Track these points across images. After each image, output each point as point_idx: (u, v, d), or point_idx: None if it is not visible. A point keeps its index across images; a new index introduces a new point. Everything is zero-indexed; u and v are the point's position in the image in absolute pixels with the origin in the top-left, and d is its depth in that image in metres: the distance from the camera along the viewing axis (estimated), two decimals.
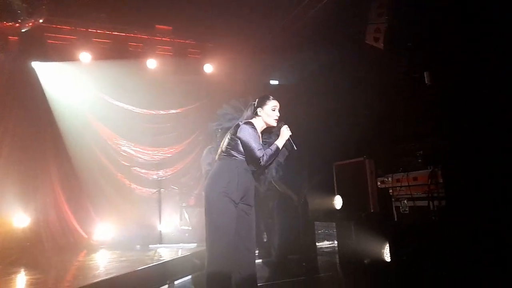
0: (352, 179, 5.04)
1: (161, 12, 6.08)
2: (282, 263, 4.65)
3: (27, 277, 4.28)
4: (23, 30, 5.45)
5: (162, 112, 7.16)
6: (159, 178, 6.50)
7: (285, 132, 2.91)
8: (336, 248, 4.95)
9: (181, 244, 5.65)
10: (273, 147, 2.84)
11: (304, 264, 4.60)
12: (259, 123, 2.91)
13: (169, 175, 6.84)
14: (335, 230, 4.98)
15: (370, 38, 4.94)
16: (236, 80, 6.94)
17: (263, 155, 2.75)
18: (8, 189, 5.63)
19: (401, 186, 4.12)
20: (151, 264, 4.24)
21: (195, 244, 5.50)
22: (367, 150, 5.06)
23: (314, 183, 5.03)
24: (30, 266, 4.70)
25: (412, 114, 4.50)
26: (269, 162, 2.82)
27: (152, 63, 6.68)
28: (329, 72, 6.17)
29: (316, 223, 5.39)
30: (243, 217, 2.77)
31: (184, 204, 6.24)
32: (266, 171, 2.93)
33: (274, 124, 2.92)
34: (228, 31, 6.48)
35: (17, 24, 5.13)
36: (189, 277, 4.29)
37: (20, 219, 5.64)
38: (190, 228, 6.00)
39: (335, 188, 5.16)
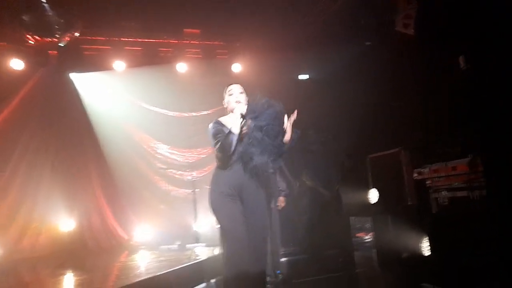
0: (387, 172, 4.89)
1: (188, 16, 6.21)
2: (318, 259, 4.62)
3: (75, 278, 4.52)
4: (61, 44, 5.76)
5: (194, 114, 7.29)
6: (194, 179, 6.64)
7: (237, 111, 2.65)
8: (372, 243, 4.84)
9: (217, 243, 5.73)
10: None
11: (340, 259, 4.52)
12: (229, 116, 2.77)
13: (203, 175, 6.96)
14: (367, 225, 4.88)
15: (400, 25, 4.78)
16: (264, 78, 6.93)
17: (217, 146, 2.62)
18: (54, 196, 6.00)
19: (439, 177, 3.96)
20: (189, 263, 4.34)
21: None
22: (402, 141, 4.90)
23: (347, 177, 4.93)
24: (77, 268, 4.97)
25: (448, 101, 4.31)
26: (225, 149, 2.59)
27: (182, 67, 6.82)
28: (360, 64, 6.03)
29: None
30: (250, 211, 2.69)
31: None
32: (249, 162, 2.63)
33: (237, 107, 2.68)
34: (254, 28, 6.50)
35: (56, 39, 5.42)
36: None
37: (65, 223, 5.98)
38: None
39: (370, 181, 5.03)
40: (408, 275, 3.84)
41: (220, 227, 2.67)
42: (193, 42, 6.93)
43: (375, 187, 4.91)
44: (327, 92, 6.51)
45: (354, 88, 6.06)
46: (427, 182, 4.14)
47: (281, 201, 4.24)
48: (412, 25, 4.48)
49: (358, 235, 5.66)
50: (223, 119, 2.78)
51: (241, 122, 2.60)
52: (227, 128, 2.65)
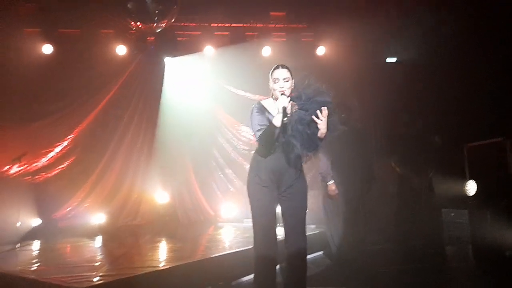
0: (488, 163, 4.46)
1: None
2: (404, 249, 4.45)
3: (169, 245, 4.97)
4: (158, 31, 6.19)
5: None
6: None
7: (279, 104, 2.52)
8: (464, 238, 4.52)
9: None
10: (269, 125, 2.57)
11: (430, 251, 4.30)
12: (273, 102, 2.66)
13: None
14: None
15: None
16: (350, 61, 6.73)
17: (259, 136, 2.60)
18: (152, 171, 6.58)
19: None
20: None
21: (314, 226, 5.60)
22: (504, 129, 4.44)
23: (441, 167, 4.62)
24: (170, 237, 5.44)
25: None
26: (267, 141, 2.57)
27: (267, 51, 6.90)
28: (454, 45, 5.54)
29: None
30: (284, 201, 2.70)
31: None
32: (291, 152, 2.59)
33: (280, 100, 2.54)
34: (340, 10, 6.31)
35: (154, 25, 5.84)
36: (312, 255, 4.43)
37: (161, 196, 6.54)
38: (307, 210, 6.12)
39: (467, 172, 4.65)
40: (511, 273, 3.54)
41: (251, 208, 2.71)
42: (278, 25, 6.96)
43: (473, 179, 4.54)
44: (417, 76, 6.12)
45: (448, 71, 5.61)
46: None
47: (332, 189, 4.12)
48: None
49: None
50: (266, 103, 2.73)
51: (283, 118, 2.50)
52: (270, 114, 2.63)
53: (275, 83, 2.64)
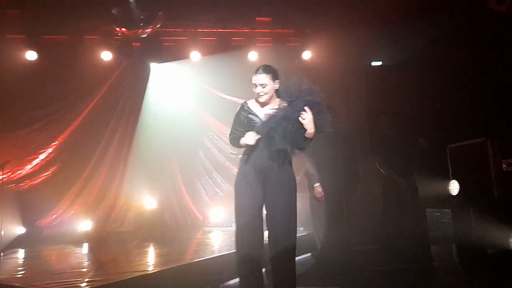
0: (471, 162, 4.58)
1: (260, 4, 6.30)
2: (390, 250, 4.50)
3: (157, 250, 4.94)
4: (143, 36, 6.20)
5: None
6: None
7: (245, 140, 2.66)
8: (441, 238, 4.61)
9: None
10: None
11: (415, 251, 4.36)
12: (257, 104, 2.75)
13: None
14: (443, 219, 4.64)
15: (492, 1, 4.39)
16: (336, 64, 6.83)
17: (230, 139, 2.76)
18: (139, 177, 6.56)
19: None
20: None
21: (301, 228, 5.63)
22: (487, 129, 4.56)
23: (425, 167, 4.71)
24: (158, 242, 5.41)
25: None
26: (234, 146, 2.73)
27: (253, 55, 6.95)
28: (440, 47, 5.67)
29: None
30: (268, 197, 2.67)
31: None
32: (272, 146, 2.60)
33: (260, 101, 2.70)
34: (326, 15, 6.40)
35: (139, 31, 5.84)
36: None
37: (149, 202, 6.51)
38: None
39: (450, 172, 4.76)
40: (493, 270, 3.62)
41: (235, 203, 2.71)
42: (265, 30, 7.02)
43: (456, 179, 4.64)
44: (402, 79, 6.24)
45: (432, 74, 5.73)
46: None
47: (318, 191, 4.16)
48: (507, 1, 4.09)
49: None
50: (250, 103, 2.78)
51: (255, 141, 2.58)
52: (253, 115, 2.70)
53: (254, 87, 2.69)
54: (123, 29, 5.74)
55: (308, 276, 3.94)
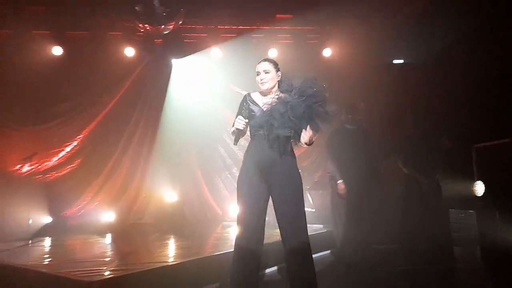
0: (497, 163, 4.46)
1: (281, 1, 6.31)
2: (411, 250, 4.46)
3: (177, 243, 5.03)
4: (165, 33, 6.29)
5: None
6: None
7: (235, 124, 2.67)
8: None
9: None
10: None
11: (437, 252, 4.30)
12: (261, 93, 2.76)
13: None
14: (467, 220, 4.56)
15: None
16: (356, 62, 6.78)
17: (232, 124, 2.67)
18: (160, 171, 6.68)
19: None
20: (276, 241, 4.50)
21: (321, 225, 5.64)
22: None
23: (449, 167, 4.63)
24: (178, 234, 5.51)
25: None
26: (235, 137, 2.64)
27: (273, 52, 6.96)
28: (465, 45, 5.55)
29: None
30: (274, 190, 2.61)
31: (308, 187, 6.42)
32: (270, 134, 2.57)
33: (262, 89, 2.70)
34: (347, 12, 6.35)
35: (161, 27, 5.93)
36: (317, 254, 4.46)
37: (169, 195, 6.62)
38: (314, 210, 6.16)
39: (475, 173, 4.66)
40: None
41: (238, 198, 2.66)
42: (285, 27, 7.02)
43: (481, 180, 4.54)
44: (424, 77, 6.14)
45: (456, 72, 5.62)
46: None
47: (341, 188, 4.13)
48: None
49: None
50: (254, 95, 2.79)
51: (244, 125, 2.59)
52: (255, 106, 2.70)
53: (257, 75, 2.71)
54: (146, 26, 5.82)
55: (326, 274, 3.95)
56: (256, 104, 2.72)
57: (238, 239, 2.62)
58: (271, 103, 2.62)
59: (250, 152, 2.69)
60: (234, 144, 2.70)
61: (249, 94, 2.81)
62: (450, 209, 4.82)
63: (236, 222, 2.69)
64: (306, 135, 2.53)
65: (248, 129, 2.72)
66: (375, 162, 4.36)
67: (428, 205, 4.43)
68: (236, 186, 2.73)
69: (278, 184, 2.59)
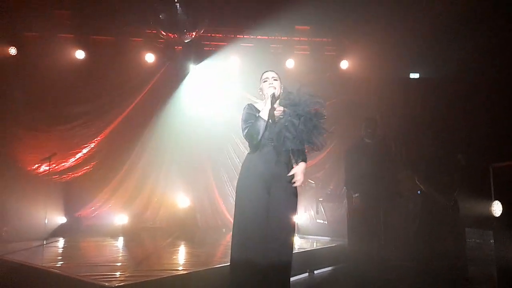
0: None
1: (300, 13, 6.35)
2: (425, 269, 4.39)
3: (187, 249, 5.04)
4: (186, 41, 6.38)
5: None
6: None
7: (268, 92, 2.61)
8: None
9: (316, 237, 5.84)
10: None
11: (452, 272, 4.23)
12: (263, 102, 2.67)
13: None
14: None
15: None
16: (373, 75, 6.77)
17: (245, 128, 2.59)
18: (173, 176, 6.76)
19: None
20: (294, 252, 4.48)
21: (328, 238, 5.61)
22: None
23: (467, 186, 4.58)
24: (189, 241, 5.53)
25: None
26: (253, 135, 2.54)
27: (290, 63, 6.99)
28: (480, 61, 5.51)
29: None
30: (270, 201, 2.55)
31: (321, 199, 6.40)
32: (282, 145, 2.56)
33: (269, 92, 2.62)
34: (364, 25, 6.38)
35: (183, 35, 6.02)
36: (329, 268, 4.43)
37: (182, 200, 6.67)
38: (326, 222, 6.14)
39: (493, 192, 4.59)
40: None
41: (235, 212, 2.59)
42: (303, 39, 7.06)
43: (499, 199, 4.48)
44: (442, 93, 6.09)
45: (474, 88, 5.57)
46: None
47: (357, 202, 4.10)
48: None
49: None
50: (257, 105, 2.75)
51: (272, 102, 2.56)
52: (263, 118, 2.59)
53: (264, 82, 2.71)
54: (169, 34, 5.92)
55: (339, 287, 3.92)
56: (263, 116, 2.61)
57: (235, 245, 2.54)
58: (279, 115, 2.63)
59: (255, 162, 2.61)
60: (252, 151, 2.65)
61: (251, 104, 2.76)
62: (466, 228, 4.75)
63: (236, 231, 2.57)
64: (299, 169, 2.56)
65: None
66: (393, 177, 4.33)
67: (444, 222, 4.38)
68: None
69: (277, 197, 2.57)
